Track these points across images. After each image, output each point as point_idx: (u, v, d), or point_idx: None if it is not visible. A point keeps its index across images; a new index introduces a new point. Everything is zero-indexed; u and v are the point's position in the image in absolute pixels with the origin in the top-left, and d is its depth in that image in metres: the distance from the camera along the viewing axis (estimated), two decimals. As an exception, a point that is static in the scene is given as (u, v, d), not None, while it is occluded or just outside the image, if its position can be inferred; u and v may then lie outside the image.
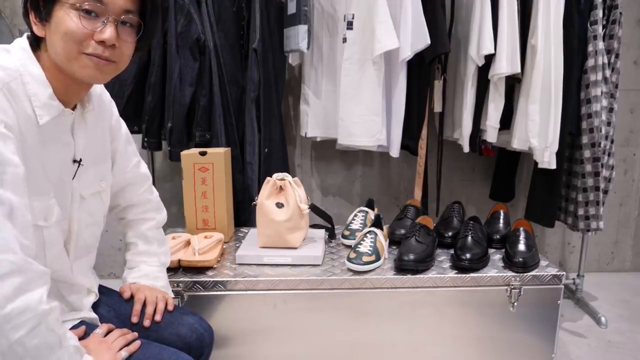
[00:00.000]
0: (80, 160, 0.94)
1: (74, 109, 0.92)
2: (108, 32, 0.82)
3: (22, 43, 0.85)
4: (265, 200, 1.44)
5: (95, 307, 1.06)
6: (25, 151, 0.80)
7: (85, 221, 0.99)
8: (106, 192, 1.04)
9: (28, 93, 0.81)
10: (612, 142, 1.92)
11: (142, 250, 1.18)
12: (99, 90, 1.02)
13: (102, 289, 1.12)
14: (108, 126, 1.05)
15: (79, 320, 0.99)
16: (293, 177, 1.46)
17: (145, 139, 1.87)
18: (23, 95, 0.80)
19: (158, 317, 1.06)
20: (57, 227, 0.90)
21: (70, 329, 0.94)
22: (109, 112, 1.06)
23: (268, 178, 1.46)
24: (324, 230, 1.65)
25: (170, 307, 1.10)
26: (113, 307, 1.09)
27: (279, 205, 1.44)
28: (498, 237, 1.58)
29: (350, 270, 1.38)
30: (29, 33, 0.86)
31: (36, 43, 0.85)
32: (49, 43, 0.83)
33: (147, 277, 1.15)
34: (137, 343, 0.97)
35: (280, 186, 1.45)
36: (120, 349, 0.93)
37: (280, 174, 1.46)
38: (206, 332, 1.11)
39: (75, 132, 0.92)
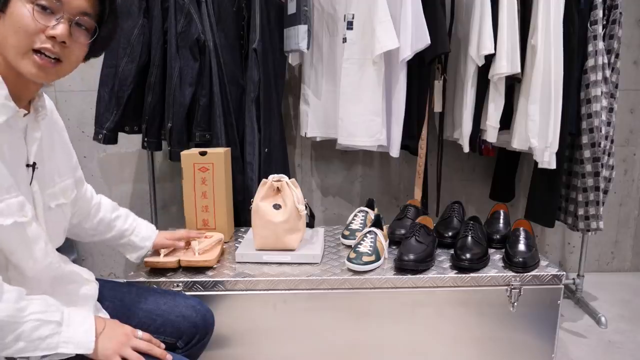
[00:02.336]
0: (35, 164, 0.91)
1: (26, 113, 0.90)
2: (60, 29, 0.82)
3: None
4: (260, 202, 1.44)
5: (99, 301, 1.07)
6: None
7: (51, 230, 0.98)
8: (68, 205, 1.04)
9: None
10: (612, 142, 1.92)
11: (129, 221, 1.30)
12: (50, 106, 1.01)
13: (103, 282, 1.13)
14: (67, 142, 1.07)
15: None
16: (293, 177, 1.46)
17: (145, 139, 1.87)
18: None
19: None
20: (35, 222, 0.89)
21: None
22: (64, 130, 1.07)
23: (264, 180, 1.45)
24: (323, 229, 1.65)
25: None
26: (117, 297, 1.11)
27: (277, 207, 1.43)
28: (498, 237, 1.58)
29: (350, 270, 1.38)
30: None
31: None
32: (1, 36, 0.82)
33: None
34: (163, 353, 0.94)
35: (278, 187, 1.44)
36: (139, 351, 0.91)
37: (276, 175, 1.46)
38: (208, 313, 1.17)
39: (28, 136, 0.90)
